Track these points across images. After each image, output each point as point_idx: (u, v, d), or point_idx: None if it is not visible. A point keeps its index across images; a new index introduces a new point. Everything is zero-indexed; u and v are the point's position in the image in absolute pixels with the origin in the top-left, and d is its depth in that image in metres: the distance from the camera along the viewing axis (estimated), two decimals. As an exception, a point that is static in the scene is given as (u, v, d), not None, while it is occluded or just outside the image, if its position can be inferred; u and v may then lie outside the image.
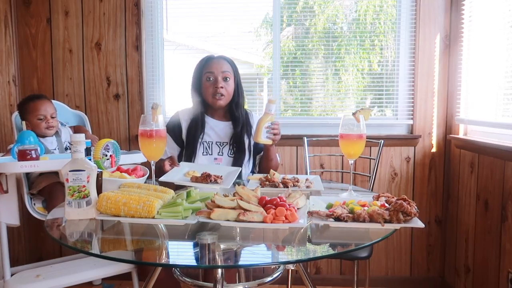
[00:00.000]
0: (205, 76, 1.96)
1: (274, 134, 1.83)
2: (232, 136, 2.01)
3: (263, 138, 1.83)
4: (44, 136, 2.19)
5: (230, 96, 1.99)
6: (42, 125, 2.16)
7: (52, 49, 2.71)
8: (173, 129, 2.01)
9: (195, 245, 1.06)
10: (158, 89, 2.76)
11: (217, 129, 2.02)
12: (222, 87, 1.94)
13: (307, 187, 1.59)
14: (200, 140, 1.98)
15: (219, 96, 1.95)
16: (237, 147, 1.99)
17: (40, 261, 2.48)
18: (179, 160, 2.00)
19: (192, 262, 1.08)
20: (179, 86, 2.84)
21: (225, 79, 1.96)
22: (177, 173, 1.67)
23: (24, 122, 2.19)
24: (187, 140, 2.00)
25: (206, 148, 1.99)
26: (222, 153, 1.99)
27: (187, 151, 1.99)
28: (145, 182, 1.50)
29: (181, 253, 1.14)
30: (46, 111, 2.17)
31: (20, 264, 2.38)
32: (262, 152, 2.04)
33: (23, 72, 2.71)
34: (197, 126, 1.99)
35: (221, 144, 2.01)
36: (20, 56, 2.70)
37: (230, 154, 1.99)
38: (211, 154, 1.98)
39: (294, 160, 2.69)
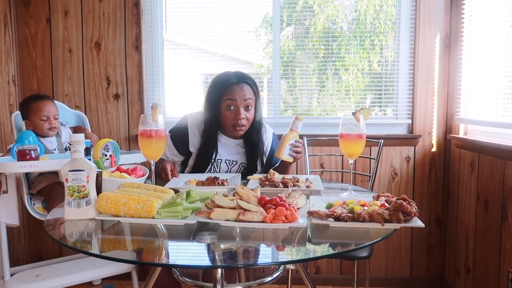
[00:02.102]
0: (226, 103, 1.83)
1: (297, 153, 1.79)
2: (243, 157, 1.95)
3: (285, 155, 1.79)
4: (45, 136, 2.19)
5: (250, 123, 1.89)
6: (44, 126, 2.15)
7: (51, 49, 2.70)
8: (177, 138, 1.93)
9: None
10: (158, 89, 2.76)
11: (227, 147, 1.94)
12: (244, 118, 1.83)
13: (307, 187, 1.59)
14: (211, 161, 1.91)
15: (240, 127, 1.84)
16: (247, 170, 1.94)
17: (40, 261, 2.48)
18: (183, 168, 1.99)
19: (192, 262, 1.07)
20: (179, 86, 2.84)
21: (247, 107, 1.84)
22: (179, 182, 1.68)
23: (24, 121, 2.18)
24: (197, 157, 1.92)
25: (214, 166, 1.93)
26: (230, 171, 1.94)
27: (198, 170, 1.92)
28: (144, 182, 1.50)
29: (181, 253, 1.14)
30: (49, 112, 2.16)
31: (20, 264, 2.38)
32: (276, 165, 2.00)
33: (22, 72, 2.71)
34: (209, 148, 1.89)
35: (230, 163, 1.94)
36: (19, 56, 2.70)
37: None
38: (218, 172, 1.92)
39: (294, 160, 2.68)
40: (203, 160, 1.91)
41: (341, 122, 1.48)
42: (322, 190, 1.56)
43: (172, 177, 1.72)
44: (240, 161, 1.95)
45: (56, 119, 2.19)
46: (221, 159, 1.93)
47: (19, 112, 2.23)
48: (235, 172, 1.94)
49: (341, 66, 2.73)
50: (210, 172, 1.92)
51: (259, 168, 1.97)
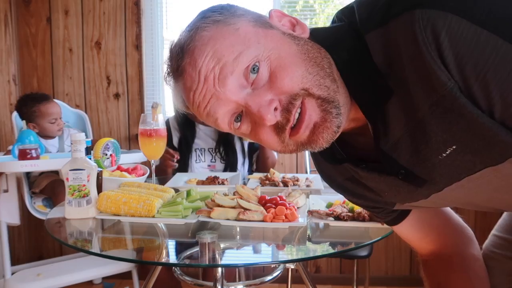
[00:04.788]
0: None
1: None
2: (219, 141, 2.01)
3: None
4: (51, 137, 2.18)
5: None
6: (54, 128, 2.14)
7: (52, 48, 2.70)
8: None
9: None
10: (158, 88, 2.76)
11: (207, 137, 2.03)
12: None
13: (307, 186, 1.59)
14: (192, 149, 2.01)
15: None
16: (225, 151, 2.00)
17: (40, 260, 2.49)
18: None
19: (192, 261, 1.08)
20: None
21: None
22: (179, 181, 1.69)
23: (29, 125, 2.12)
24: (179, 149, 2.01)
25: (198, 155, 2.01)
26: (215, 160, 2.01)
27: (181, 160, 1.99)
28: (145, 181, 1.51)
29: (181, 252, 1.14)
30: (57, 114, 2.16)
31: (20, 263, 2.39)
32: (258, 151, 2.05)
33: (23, 71, 2.71)
34: (187, 136, 2.01)
35: (213, 151, 2.03)
36: (20, 55, 2.70)
37: (222, 161, 2.01)
38: (204, 161, 2.01)
39: (294, 159, 2.68)
40: (185, 149, 2.00)
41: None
42: (322, 189, 1.56)
43: (174, 161, 1.84)
44: (222, 147, 2.03)
45: (61, 118, 2.19)
46: (204, 148, 2.02)
47: (20, 114, 2.20)
48: (220, 160, 2.01)
49: (341, 66, 2.73)
50: (197, 162, 2.00)
51: (240, 156, 2.01)
